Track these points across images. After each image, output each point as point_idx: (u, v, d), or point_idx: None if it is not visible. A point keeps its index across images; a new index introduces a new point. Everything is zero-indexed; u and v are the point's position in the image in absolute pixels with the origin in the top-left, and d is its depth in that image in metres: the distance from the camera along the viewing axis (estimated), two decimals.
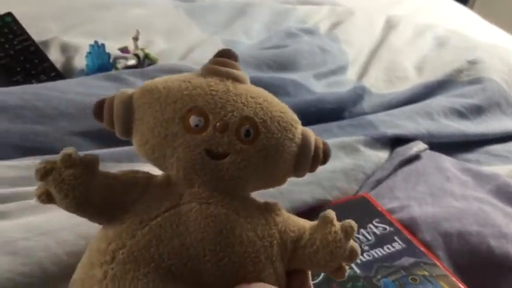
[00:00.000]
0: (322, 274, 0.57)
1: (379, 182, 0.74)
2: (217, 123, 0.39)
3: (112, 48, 0.91)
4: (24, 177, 0.63)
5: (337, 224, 0.42)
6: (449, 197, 0.70)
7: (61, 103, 0.71)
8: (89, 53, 0.86)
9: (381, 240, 0.63)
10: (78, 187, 0.38)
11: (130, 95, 0.41)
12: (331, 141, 0.76)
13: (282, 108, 0.43)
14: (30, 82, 0.82)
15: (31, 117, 0.69)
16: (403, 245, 0.62)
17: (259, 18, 1.16)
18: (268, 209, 0.42)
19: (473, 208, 0.67)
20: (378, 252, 0.61)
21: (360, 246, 0.60)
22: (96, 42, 0.86)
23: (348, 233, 0.42)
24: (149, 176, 0.42)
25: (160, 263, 0.38)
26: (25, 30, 0.90)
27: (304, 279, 0.43)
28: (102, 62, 0.86)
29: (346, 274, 0.43)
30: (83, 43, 0.92)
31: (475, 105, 0.93)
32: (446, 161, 0.78)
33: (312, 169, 0.44)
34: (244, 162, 0.39)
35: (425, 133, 0.82)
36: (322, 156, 0.44)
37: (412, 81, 1.00)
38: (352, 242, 0.42)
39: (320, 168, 0.69)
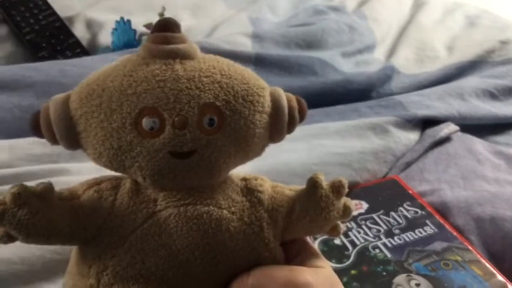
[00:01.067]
0: (352, 258, 0.57)
1: (408, 164, 0.72)
2: (175, 120, 0.33)
3: (137, 24, 0.89)
4: (50, 154, 0.63)
5: (327, 186, 0.38)
6: (482, 180, 0.69)
7: None
8: (115, 29, 0.86)
9: (412, 224, 0.61)
10: (39, 223, 0.33)
11: (66, 102, 0.35)
12: (360, 121, 0.75)
13: (243, 77, 0.37)
14: (55, 58, 0.81)
15: (57, 93, 0.68)
16: (435, 229, 0.61)
17: None
18: (249, 188, 0.38)
19: (507, 193, 0.66)
20: (410, 236, 0.60)
21: (391, 230, 0.60)
22: (122, 18, 0.85)
23: (339, 192, 0.38)
24: (115, 185, 0.37)
25: (150, 277, 0.35)
26: (50, 5, 0.90)
27: (301, 243, 0.41)
28: (128, 39, 0.85)
29: (342, 230, 0.40)
30: (107, 19, 0.92)
31: (507, 87, 0.90)
32: (478, 144, 0.77)
33: (290, 131, 0.39)
34: (215, 154, 0.35)
35: (457, 114, 0.80)
36: (298, 116, 0.39)
37: (443, 61, 0.98)
38: (344, 199, 0.39)
39: (350, 149, 0.69)
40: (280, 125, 0.38)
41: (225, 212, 0.36)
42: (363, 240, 0.59)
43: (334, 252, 0.56)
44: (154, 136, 0.34)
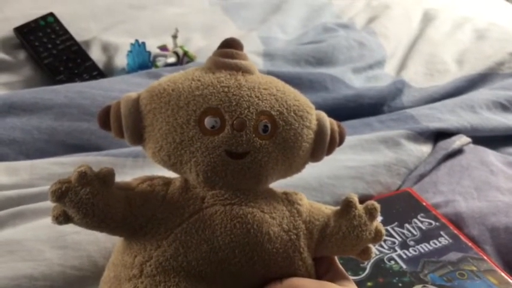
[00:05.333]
0: (367, 270, 0.57)
1: (422, 177, 0.73)
2: (234, 122, 0.37)
3: (151, 46, 0.92)
4: (71, 174, 0.64)
5: (360, 207, 0.41)
6: (495, 191, 0.69)
7: (105, 101, 0.71)
8: (130, 51, 0.88)
9: (427, 235, 0.62)
10: (97, 204, 0.36)
11: (136, 100, 0.39)
12: (372, 135, 0.76)
13: (295, 95, 0.41)
14: (73, 81, 0.84)
15: (76, 115, 0.71)
16: (450, 240, 0.61)
17: (294, 13, 1.16)
18: (290, 200, 0.41)
19: None
20: (424, 247, 0.60)
21: (406, 242, 0.60)
22: (137, 41, 0.87)
23: (372, 214, 0.41)
24: (166, 182, 0.40)
25: (190, 270, 0.37)
26: (67, 30, 0.92)
27: (331, 263, 0.43)
28: (142, 61, 0.87)
29: (373, 255, 0.42)
30: (122, 42, 0.94)
31: None
32: (490, 155, 0.77)
33: (329, 153, 0.43)
34: (265, 159, 0.38)
35: (468, 126, 0.81)
36: (338, 138, 0.43)
37: (453, 74, 0.98)
38: (376, 222, 0.42)
39: (362, 162, 0.70)
40: (322, 144, 0.41)
41: (266, 216, 0.39)
42: (378, 252, 0.59)
43: (350, 264, 0.57)
44: (214, 134, 0.37)
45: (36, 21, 0.93)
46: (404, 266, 0.58)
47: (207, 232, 0.37)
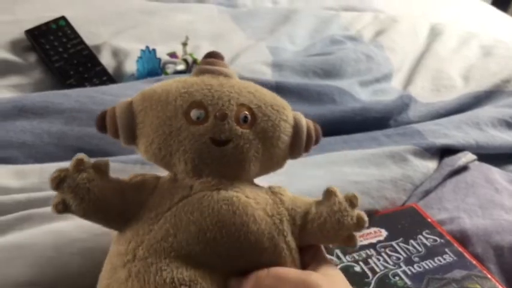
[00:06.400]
0: (372, 285, 0.57)
1: (427, 193, 0.73)
2: (217, 113, 0.42)
3: (160, 53, 0.92)
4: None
5: (341, 195, 0.44)
6: (500, 209, 0.69)
7: None
8: (140, 57, 0.88)
9: (432, 252, 0.62)
10: (92, 189, 0.40)
11: (130, 102, 0.44)
12: (379, 150, 0.76)
13: (272, 95, 0.46)
14: (83, 85, 0.84)
15: (86, 120, 0.71)
16: (455, 257, 0.61)
17: (303, 25, 1.16)
18: (274, 191, 0.45)
19: None
20: (429, 264, 0.60)
21: (411, 258, 0.61)
22: (147, 47, 0.88)
23: (352, 202, 0.44)
24: (157, 176, 0.44)
25: (180, 251, 0.40)
26: (78, 34, 0.93)
27: (316, 251, 0.45)
28: (152, 67, 0.87)
29: (358, 243, 0.45)
30: (132, 48, 0.94)
31: None
32: (495, 173, 0.77)
33: (307, 149, 0.47)
34: (246, 145, 0.42)
35: (474, 144, 0.81)
36: (314, 136, 0.47)
37: (459, 90, 0.99)
38: (358, 210, 0.44)
39: (369, 177, 0.70)
40: (299, 140, 0.46)
41: (251, 200, 0.42)
42: (382, 268, 0.60)
43: (354, 279, 0.57)
44: (200, 124, 0.41)
45: (47, 24, 0.94)
46: (408, 282, 0.58)
47: (195, 214, 0.40)
